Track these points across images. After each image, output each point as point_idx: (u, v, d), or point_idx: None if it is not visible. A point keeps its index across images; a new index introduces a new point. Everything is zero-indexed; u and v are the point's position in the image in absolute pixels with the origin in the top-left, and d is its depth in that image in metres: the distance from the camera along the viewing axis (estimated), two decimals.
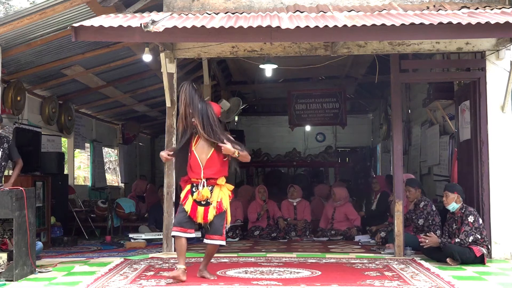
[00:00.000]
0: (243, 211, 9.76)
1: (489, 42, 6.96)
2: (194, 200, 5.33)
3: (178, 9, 7.21)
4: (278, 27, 5.58)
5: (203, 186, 5.30)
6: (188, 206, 5.32)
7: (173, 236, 5.42)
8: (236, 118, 13.78)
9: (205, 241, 5.45)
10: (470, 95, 7.33)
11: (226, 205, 5.40)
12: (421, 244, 6.46)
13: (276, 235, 9.27)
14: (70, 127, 11.25)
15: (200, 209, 5.31)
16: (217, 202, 5.31)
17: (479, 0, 7.07)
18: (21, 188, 5.71)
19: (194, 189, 5.36)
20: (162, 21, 5.92)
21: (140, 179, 13.40)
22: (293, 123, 13.18)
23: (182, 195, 5.42)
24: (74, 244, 8.69)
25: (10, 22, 6.75)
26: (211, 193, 5.32)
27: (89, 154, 13.87)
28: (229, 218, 5.48)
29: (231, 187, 5.52)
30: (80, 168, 16.56)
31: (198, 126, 5.25)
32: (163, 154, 5.53)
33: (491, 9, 6.46)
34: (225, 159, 5.38)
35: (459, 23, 5.50)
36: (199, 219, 5.32)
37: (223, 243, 5.41)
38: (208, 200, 5.31)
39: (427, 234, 6.52)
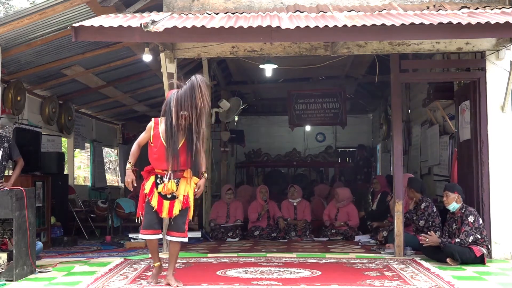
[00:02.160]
0: (243, 211, 9.76)
1: (489, 42, 6.96)
2: (159, 194, 5.09)
3: (178, 9, 7.21)
4: (278, 27, 5.58)
5: (169, 178, 5.05)
6: (154, 201, 5.08)
7: (143, 239, 5.24)
8: (236, 118, 13.79)
9: (167, 237, 5.21)
10: (470, 95, 7.33)
11: (192, 199, 5.15)
12: (421, 242, 6.46)
13: (276, 235, 9.27)
14: (70, 127, 11.25)
15: (166, 203, 5.07)
16: (184, 196, 5.07)
17: (479, 0, 7.07)
18: (21, 188, 5.71)
19: (158, 181, 5.11)
20: (162, 21, 5.93)
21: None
22: (293, 123, 13.17)
23: (148, 187, 5.16)
24: (74, 244, 8.69)
25: (10, 22, 6.75)
26: (177, 186, 5.07)
27: (89, 154, 13.88)
28: (191, 214, 5.21)
29: (197, 180, 5.22)
30: (80, 168, 16.58)
31: (202, 120, 5.00)
32: (130, 181, 5.19)
33: (491, 9, 6.46)
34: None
35: (459, 23, 5.50)
36: (164, 214, 5.08)
37: (185, 239, 5.16)
38: (174, 194, 5.06)
39: (428, 233, 6.51)
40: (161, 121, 5.14)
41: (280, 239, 9.16)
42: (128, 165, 5.24)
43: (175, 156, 4.99)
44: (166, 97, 5.28)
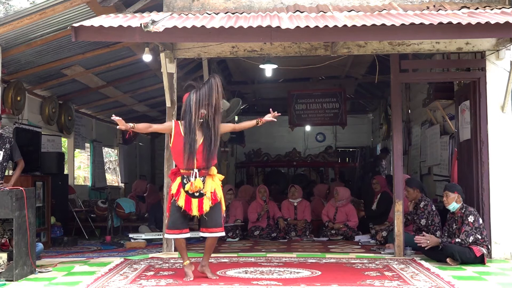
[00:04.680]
0: (243, 211, 9.75)
1: (489, 42, 6.96)
2: (187, 192, 5.27)
3: (178, 9, 7.21)
4: (278, 27, 5.58)
5: (195, 177, 5.24)
6: (181, 201, 5.27)
7: (171, 238, 5.46)
8: (236, 118, 13.78)
9: (203, 234, 5.39)
10: (470, 95, 7.33)
11: (220, 195, 5.39)
12: (418, 245, 6.46)
13: (276, 235, 9.27)
14: (70, 127, 11.25)
15: (194, 201, 5.27)
16: (211, 192, 5.28)
17: (479, 0, 7.08)
18: (21, 188, 5.70)
19: (185, 181, 5.29)
20: (162, 21, 5.93)
21: (140, 179, 13.41)
22: (293, 123, 13.17)
23: (174, 188, 5.35)
24: (74, 244, 8.69)
25: (10, 22, 6.74)
26: (203, 183, 5.28)
27: (89, 154, 13.87)
28: (223, 208, 5.46)
29: (222, 177, 5.49)
30: (80, 168, 16.55)
31: (218, 118, 5.26)
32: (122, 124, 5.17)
33: (491, 9, 6.46)
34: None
35: (459, 23, 5.50)
36: (194, 212, 5.27)
37: (222, 234, 5.39)
38: (201, 191, 5.27)
39: (425, 234, 6.50)
40: (181, 124, 5.35)
41: (280, 239, 9.16)
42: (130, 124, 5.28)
43: (194, 153, 5.21)
44: (184, 99, 5.46)
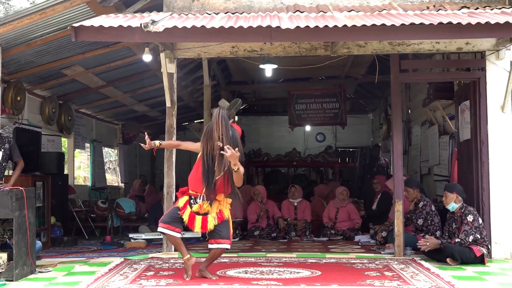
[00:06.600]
0: (243, 211, 9.75)
1: (489, 42, 6.96)
2: (192, 211, 5.34)
3: (178, 9, 7.21)
4: (278, 27, 5.58)
5: (203, 199, 5.30)
6: (186, 216, 5.32)
7: (161, 233, 5.48)
8: (236, 118, 13.78)
9: (210, 246, 5.40)
10: (470, 95, 7.33)
11: (228, 214, 5.40)
12: (421, 249, 6.46)
13: (276, 235, 9.27)
14: (70, 127, 11.25)
15: (198, 218, 5.30)
16: (217, 213, 5.31)
17: (479, 0, 7.08)
18: (21, 188, 5.70)
19: (192, 202, 5.35)
20: (162, 21, 5.93)
21: (138, 179, 13.43)
22: (293, 123, 13.17)
23: (181, 203, 5.38)
24: (74, 244, 8.69)
25: (10, 22, 6.73)
26: (210, 206, 5.32)
27: (89, 154, 13.87)
28: (231, 228, 5.45)
29: (230, 200, 5.49)
30: (80, 168, 16.56)
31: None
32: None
33: (491, 9, 6.46)
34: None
35: (459, 23, 5.51)
36: (197, 228, 5.31)
37: (228, 246, 5.39)
38: (206, 212, 5.33)
39: (425, 237, 6.51)
40: None
41: (280, 239, 9.16)
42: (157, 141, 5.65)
43: (205, 182, 5.24)
44: None
